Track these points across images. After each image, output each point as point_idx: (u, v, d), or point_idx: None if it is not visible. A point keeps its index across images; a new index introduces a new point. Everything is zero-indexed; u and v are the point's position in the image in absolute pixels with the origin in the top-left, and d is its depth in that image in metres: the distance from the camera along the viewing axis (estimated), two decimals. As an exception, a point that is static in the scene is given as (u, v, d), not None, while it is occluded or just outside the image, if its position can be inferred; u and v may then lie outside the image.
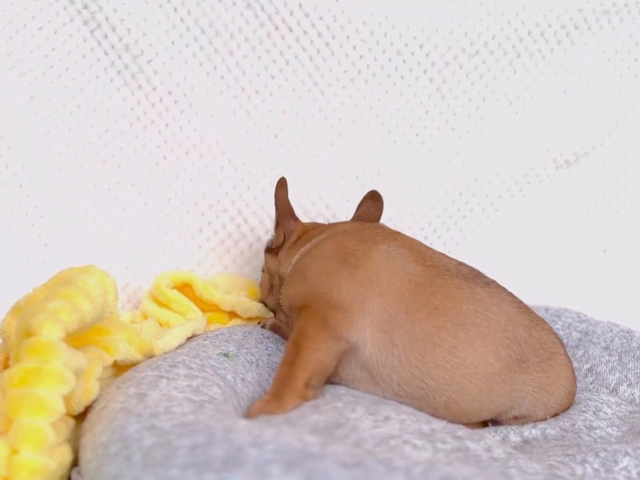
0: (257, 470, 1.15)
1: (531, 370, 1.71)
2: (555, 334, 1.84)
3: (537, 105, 2.49)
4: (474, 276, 1.75)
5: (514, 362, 1.67)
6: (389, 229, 1.93)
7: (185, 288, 2.14)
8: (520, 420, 1.75)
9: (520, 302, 1.79)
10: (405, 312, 1.65)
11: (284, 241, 1.95)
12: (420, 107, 2.45)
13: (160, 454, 1.22)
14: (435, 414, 1.65)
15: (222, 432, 1.24)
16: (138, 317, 2.11)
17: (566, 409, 1.81)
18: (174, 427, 1.28)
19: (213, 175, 2.34)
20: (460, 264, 1.79)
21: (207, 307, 2.12)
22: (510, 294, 1.78)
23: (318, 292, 1.68)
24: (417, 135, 2.45)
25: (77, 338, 1.59)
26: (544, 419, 1.76)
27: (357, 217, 2.10)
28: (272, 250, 2.00)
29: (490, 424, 1.77)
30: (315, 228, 1.98)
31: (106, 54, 2.25)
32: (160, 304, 2.10)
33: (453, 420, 1.62)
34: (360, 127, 2.43)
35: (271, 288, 2.01)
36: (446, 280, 1.70)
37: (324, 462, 1.17)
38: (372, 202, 2.12)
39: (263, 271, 2.06)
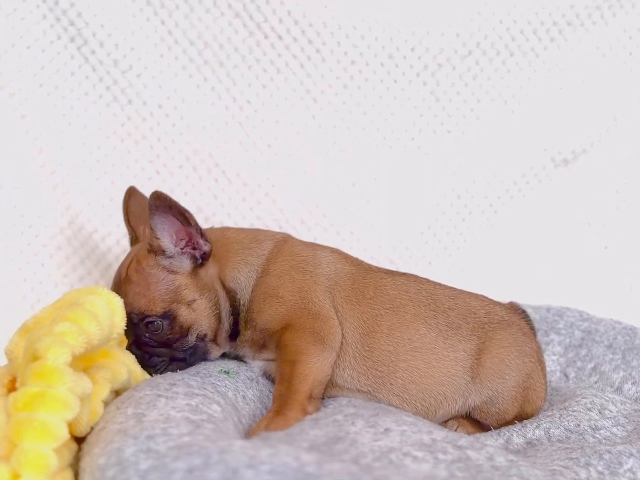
0: (253, 492, 1.14)
1: (467, 338, 1.80)
2: (498, 304, 1.91)
3: (532, 104, 2.47)
4: (392, 271, 1.93)
5: (445, 329, 1.79)
6: None
7: None
8: (493, 405, 1.78)
9: (436, 282, 1.91)
10: (351, 309, 1.80)
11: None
12: (415, 110, 2.43)
13: (157, 477, 1.21)
14: (403, 402, 1.76)
15: (218, 454, 1.23)
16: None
17: (531, 373, 1.82)
18: (170, 450, 1.27)
19: (208, 188, 2.34)
20: (375, 266, 1.93)
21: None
22: (426, 278, 1.91)
23: (299, 309, 1.75)
24: (413, 139, 2.44)
25: (85, 358, 1.58)
26: (514, 397, 1.78)
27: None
28: (200, 265, 1.78)
29: (491, 427, 1.79)
30: (237, 237, 1.87)
31: (94, 70, 2.25)
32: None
33: (423, 404, 1.76)
34: (355, 134, 2.41)
35: (215, 309, 1.79)
36: (372, 275, 1.86)
37: (320, 482, 1.16)
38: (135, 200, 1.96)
39: (191, 303, 1.76)
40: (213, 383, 1.65)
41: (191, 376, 1.65)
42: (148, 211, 1.71)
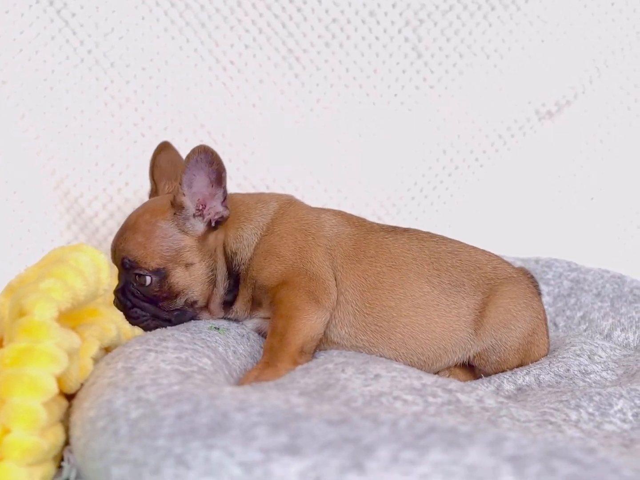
0: (243, 434, 1.14)
1: (471, 294, 1.81)
2: (508, 262, 1.92)
3: (515, 57, 2.47)
4: (393, 229, 1.91)
5: (449, 287, 1.80)
6: None
7: None
8: (494, 353, 1.79)
9: (440, 236, 1.92)
10: (352, 267, 1.80)
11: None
12: (397, 67, 2.43)
13: (147, 425, 1.21)
14: (398, 357, 1.76)
15: (208, 400, 1.24)
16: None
17: (536, 328, 1.83)
18: (160, 398, 1.27)
19: (194, 150, 2.33)
20: (377, 224, 1.94)
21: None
22: (428, 232, 1.92)
23: (297, 268, 1.76)
24: (396, 95, 2.43)
25: (73, 317, 1.58)
26: (517, 349, 1.79)
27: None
28: (212, 229, 1.79)
29: (482, 375, 1.80)
30: (243, 200, 1.89)
31: (75, 33, 2.23)
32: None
33: (421, 357, 1.77)
34: (338, 91, 2.41)
35: (211, 275, 1.79)
36: (374, 235, 1.86)
37: (309, 421, 1.16)
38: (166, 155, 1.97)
39: (188, 266, 1.75)
40: (203, 339, 1.65)
41: (181, 332, 1.66)
42: (181, 166, 1.74)
